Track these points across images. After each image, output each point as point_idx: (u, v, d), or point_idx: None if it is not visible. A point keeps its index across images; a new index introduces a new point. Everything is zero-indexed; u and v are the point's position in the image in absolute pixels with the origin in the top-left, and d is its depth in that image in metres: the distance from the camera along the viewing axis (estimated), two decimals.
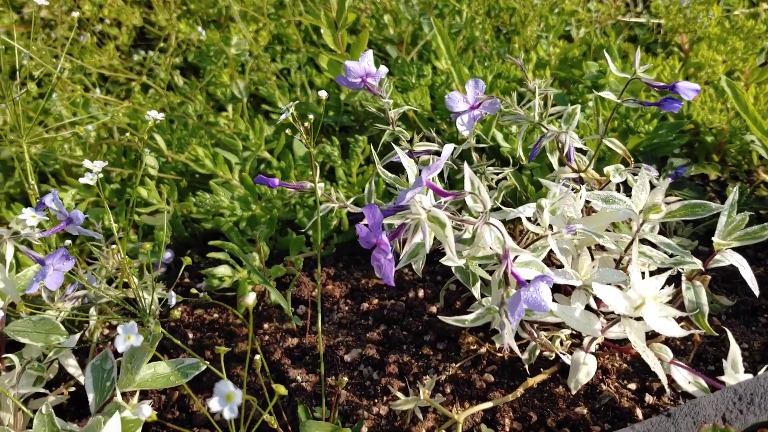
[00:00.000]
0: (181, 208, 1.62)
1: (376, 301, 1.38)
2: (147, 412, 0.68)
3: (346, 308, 1.38)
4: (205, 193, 1.50)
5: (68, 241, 1.02)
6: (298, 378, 1.24)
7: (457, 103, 1.29)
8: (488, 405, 1.07)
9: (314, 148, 1.66)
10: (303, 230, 1.50)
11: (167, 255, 1.50)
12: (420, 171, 0.88)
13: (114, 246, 1.10)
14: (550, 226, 1.02)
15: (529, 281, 0.91)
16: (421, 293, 1.37)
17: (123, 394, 1.11)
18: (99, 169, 1.04)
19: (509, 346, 0.94)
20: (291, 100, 1.89)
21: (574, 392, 1.10)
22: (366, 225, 0.90)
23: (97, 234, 1.04)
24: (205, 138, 1.73)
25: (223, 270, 1.36)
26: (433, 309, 1.33)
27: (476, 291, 1.13)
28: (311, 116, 1.06)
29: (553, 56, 1.87)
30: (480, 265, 1.15)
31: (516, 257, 0.99)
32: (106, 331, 1.39)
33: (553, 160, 1.32)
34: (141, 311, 1.15)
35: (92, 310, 1.26)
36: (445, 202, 0.91)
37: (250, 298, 0.73)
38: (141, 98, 1.97)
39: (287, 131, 1.12)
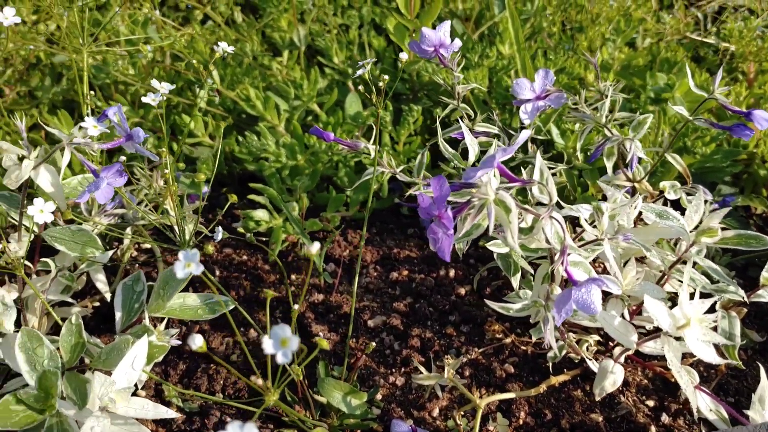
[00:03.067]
0: (224, 145, 1.61)
1: (405, 272, 1.37)
2: (198, 342, 0.68)
3: (375, 274, 1.38)
4: (253, 134, 1.49)
5: (123, 158, 1.01)
6: (320, 334, 1.24)
7: (524, 90, 1.27)
8: (511, 395, 1.07)
9: (366, 110, 1.65)
10: (348, 188, 1.49)
11: (204, 189, 1.49)
12: (496, 151, 0.87)
13: (161, 170, 1.09)
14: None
15: (579, 281, 0.90)
16: (452, 273, 1.36)
17: (151, 319, 1.11)
18: (166, 90, 1.03)
19: (548, 344, 0.93)
20: (347, 57, 1.86)
21: (598, 398, 1.09)
22: (428, 195, 0.89)
23: (154, 156, 1.03)
24: (258, 80, 1.71)
25: (261, 214, 1.35)
26: (462, 291, 1.33)
27: (515, 281, 1.13)
28: (386, 77, 1.04)
29: (617, 61, 1.84)
30: (522, 257, 1.14)
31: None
32: (135, 254, 1.39)
33: (609, 165, 1.31)
34: (181, 240, 1.15)
35: (128, 230, 1.26)
36: (510, 188, 0.90)
37: (315, 248, 0.72)
38: (198, 28, 1.94)
39: (358, 87, 1.11)
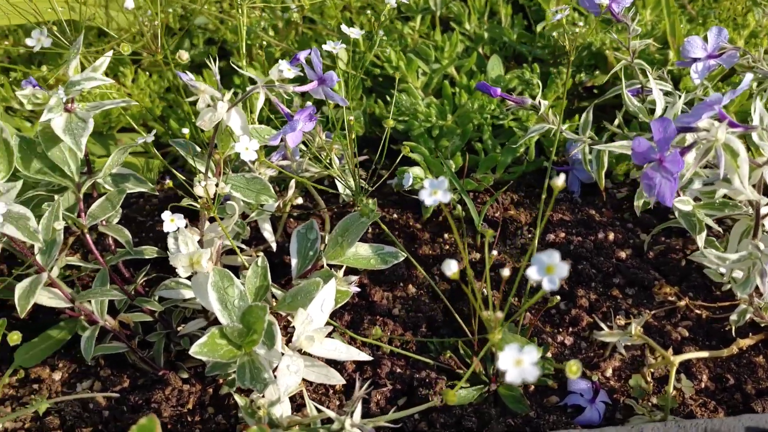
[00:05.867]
0: (365, 106, 1.61)
1: (562, 234, 1.34)
2: (454, 267, 0.67)
3: (530, 236, 1.35)
4: (401, 94, 1.48)
5: (309, 103, 1.01)
6: (483, 291, 1.22)
7: (696, 49, 1.23)
8: (704, 354, 1.03)
9: (508, 73, 1.62)
10: (491, 151, 1.47)
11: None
12: (723, 93, 0.83)
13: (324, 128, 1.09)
14: None
15: None
16: (611, 236, 1.32)
17: (329, 266, 1.11)
18: (357, 35, 1.02)
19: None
20: (478, 24, 1.84)
21: None
22: (646, 139, 0.86)
23: (344, 101, 1.03)
24: (396, 43, 1.70)
25: (417, 171, 1.34)
26: (623, 254, 1.29)
27: (701, 240, 1.09)
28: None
29: (765, 29, 1.76)
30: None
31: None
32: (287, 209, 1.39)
33: None
34: (354, 191, 1.15)
35: (292, 183, 1.27)
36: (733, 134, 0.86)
37: (561, 180, 0.70)
38: None
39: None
